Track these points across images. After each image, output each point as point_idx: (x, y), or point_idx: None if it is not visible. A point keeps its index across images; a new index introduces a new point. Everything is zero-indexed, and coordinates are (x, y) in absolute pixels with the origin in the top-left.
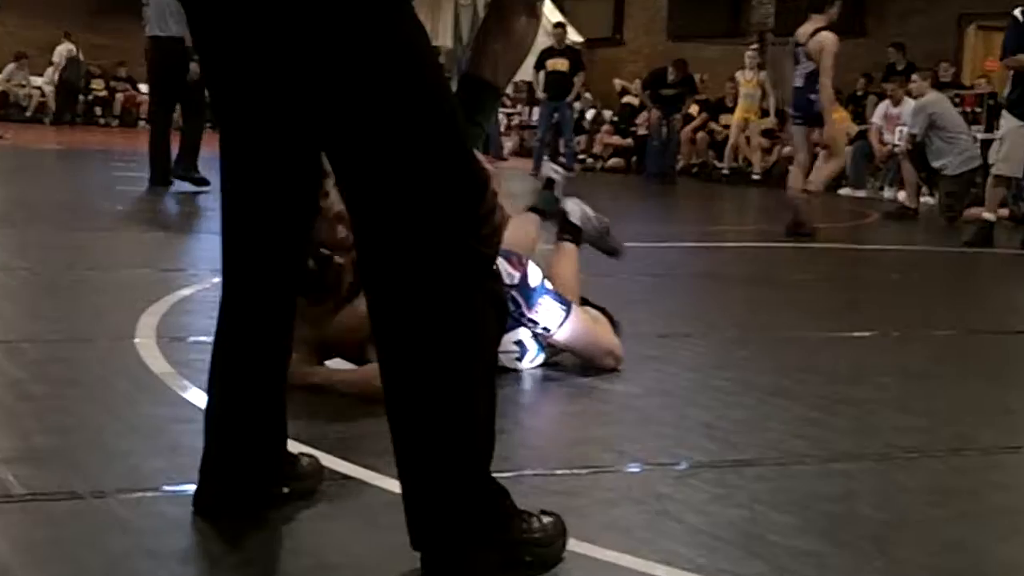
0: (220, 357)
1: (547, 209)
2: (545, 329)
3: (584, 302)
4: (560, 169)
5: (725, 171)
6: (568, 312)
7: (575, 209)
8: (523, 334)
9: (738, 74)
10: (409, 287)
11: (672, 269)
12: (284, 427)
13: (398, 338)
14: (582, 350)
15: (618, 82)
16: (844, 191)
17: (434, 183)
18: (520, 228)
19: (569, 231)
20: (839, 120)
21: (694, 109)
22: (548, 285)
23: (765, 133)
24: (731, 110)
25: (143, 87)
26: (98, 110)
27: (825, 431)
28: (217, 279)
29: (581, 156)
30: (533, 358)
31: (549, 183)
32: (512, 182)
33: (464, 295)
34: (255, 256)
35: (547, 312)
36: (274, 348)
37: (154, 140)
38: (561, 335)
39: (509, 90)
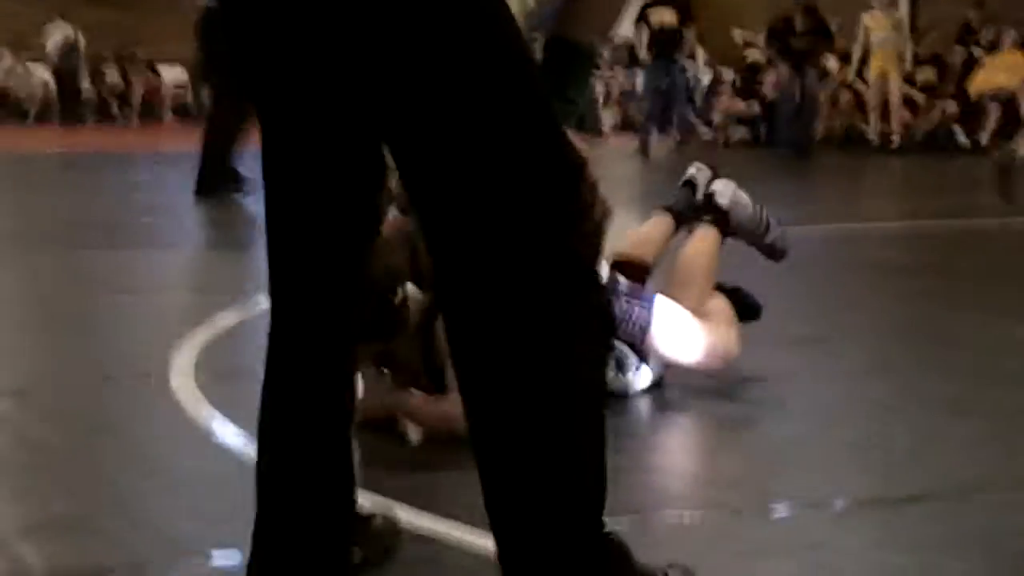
0: (271, 399)
1: (684, 213)
2: (629, 335)
3: (723, 290)
4: (704, 167)
5: (874, 139)
6: (652, 311)
7: (725, 190)
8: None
9: (865, 16)
10: (494, 302)
11: (812, 258)
12: (351, 480)
13: (483, 365)
14: (679, 356)
15: (738, 33)
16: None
17: (519, 173)
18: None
19: (713, 213)
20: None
21: (832, 64)
22: (622, 281)
23: (923, 87)
24: None
25: (166, 71)
26: (113, 104)
27: (1013, 453)
28: (266, 302)
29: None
30: (637, 369)
31: (689, 182)
32: (614, 165)
33: (562, 310)
34: (310, 276)
35: (629, 314)
36: (336, 385)
37: (212, 138)
38: (649, 340)
39: (605, 52)
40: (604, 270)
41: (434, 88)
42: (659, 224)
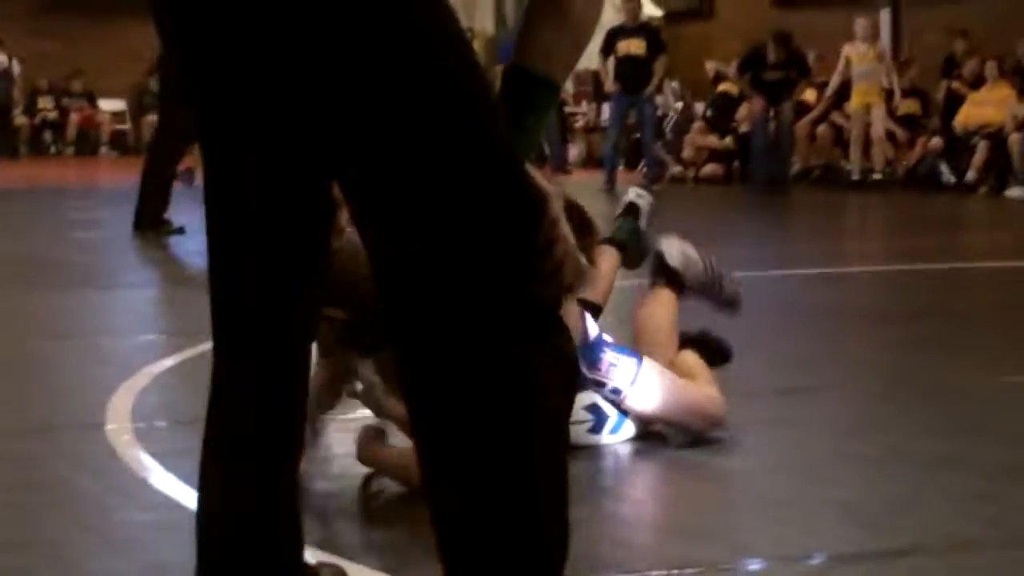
0: (214, 445)
1: (627, 243)
2: (615, 391)
3: (689, 342)
4: (645, 193)
5: (855, 176)
6: (640, 365)
7: (674, 252)
8: (598, 398)
9: (847, 48)
10: (450, 347)
11: (792, 304)
12: (298, 531)
13: (438, 413)
14: (667, 414)
15: (711, 65)
16: (1011, 192)
17: (475, 209)
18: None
19: (666, 276)
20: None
21: (810, 95)
22: (607, 338)
23: (906, 121)
24: None
25: (104, 104)
26: (48, 136)
27: (1005, 508)
28: (207, 345)
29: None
30: (615, 427)
31: (631, 209)
32: (579, 201)
33: (521, 355)
34: (255, 315)
35: (614, 368)
36: (282, 430)
37: (151, 172)
38: (635, 396)
39: (569, 83)
40: (577, 318)
41: (386, 120)
42: (605, 259)
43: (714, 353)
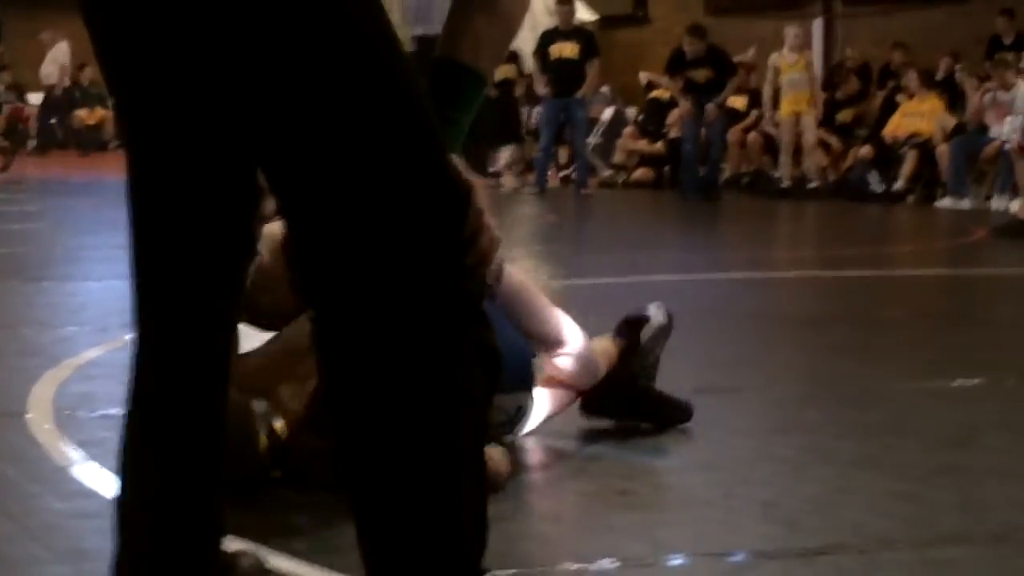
0: (132, 432)
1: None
2: None
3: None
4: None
5: (784, 183)
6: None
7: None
8: (525, 397)
9: (774, 56)
10: (371, 339)
11: (717, 307)
12: (218, 517)
13: (357, 406)
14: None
15: (644, 75)
16: (942, 202)
17: (400, 199)
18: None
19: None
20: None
21: (740, 103)
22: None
23: (841, 130)
24: None
25: (33, 98)
26: None
27: (921, 508)
28: (130, 336)
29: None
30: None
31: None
32: (509, 202)
33: (443, 348)
34: (178, 303)
35: None
36: (205, 417)
37: None
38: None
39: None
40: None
41: (307, 107)
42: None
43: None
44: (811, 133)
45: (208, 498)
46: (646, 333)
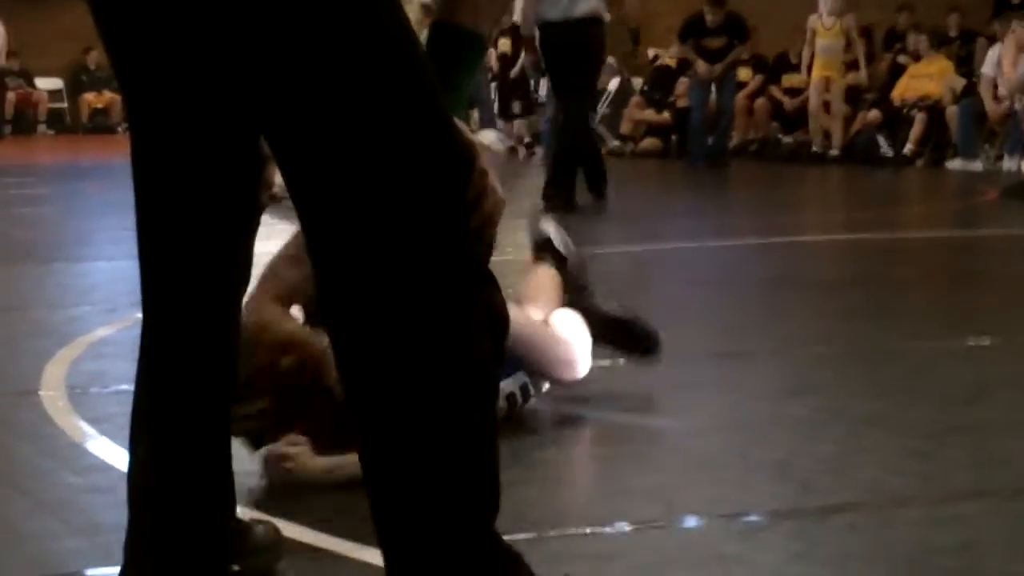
0: (143, 404)
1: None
2: None
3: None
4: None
5: (815, 148)
6: None
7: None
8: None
9: (812, 19)
10: (378, 304)
11: (731, 273)
12: (229, 489)
13: (368, 371)
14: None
15: (651, 51)
16: (952, 163)
17: (403, 163)
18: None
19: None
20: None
21: (744, 74)
22: None
23: (850, 95)
24: (796, 68)
25: (41, 83)
26: None
27: (935, 466)
28: (140, 314)
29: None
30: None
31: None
32: (517, 173)
33: (450, 311)
34: (185, 277)
35: None
36: (213, 390)
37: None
38: None
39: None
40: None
41: (312, 71)
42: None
43: (638, 339)
44: (838, 102)
45: (221, 469)
46: (559, 244)
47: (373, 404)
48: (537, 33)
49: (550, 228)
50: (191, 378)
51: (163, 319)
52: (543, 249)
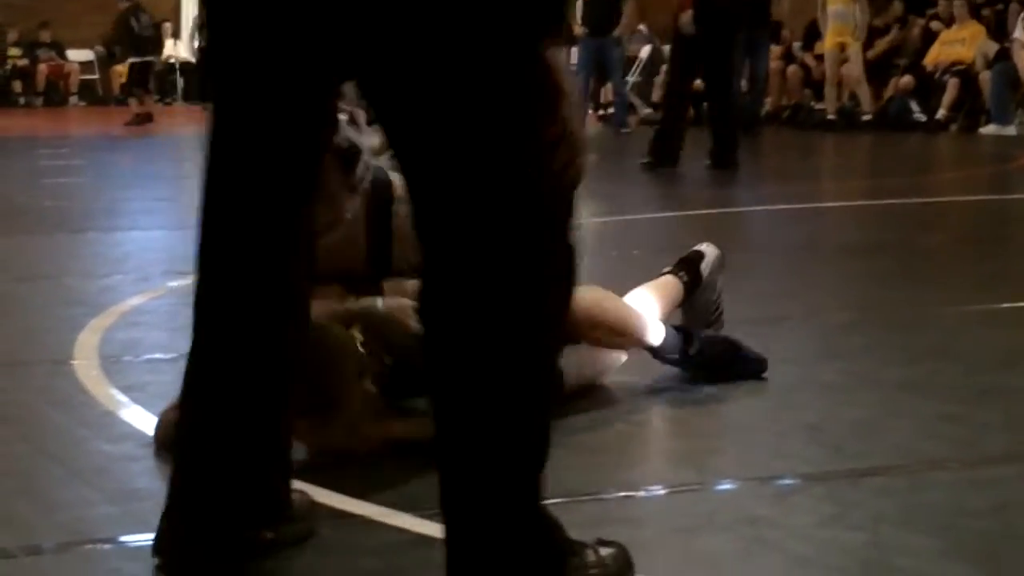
0: (200, 370)
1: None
2: None
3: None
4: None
5: (831, 115)
6: None
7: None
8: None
9: None
10: (474, 224)
11: (763, 240)
12: (283, 456)
13: (451, 311)
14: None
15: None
16: (986, 129)
17: (496, 99)
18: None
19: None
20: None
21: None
22: None
23: (881, 61)
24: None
25: (73, 55)
26: (17, 86)
27: (968, 429)
28: (173, 283)
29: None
30: None
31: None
32: None
33: (533, 250)
34: (247, 241)
35: None
36: (274, 353)
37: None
38: None
39: None
40: None
41: (405, 15)
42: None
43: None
44: (856, 65)
45: (273, 435)
46: (705, 267)
47: (451, 333)
48: None
49: (709, 250)
50: (251, 335)
51: (221, 282)
52: (686, 263)
